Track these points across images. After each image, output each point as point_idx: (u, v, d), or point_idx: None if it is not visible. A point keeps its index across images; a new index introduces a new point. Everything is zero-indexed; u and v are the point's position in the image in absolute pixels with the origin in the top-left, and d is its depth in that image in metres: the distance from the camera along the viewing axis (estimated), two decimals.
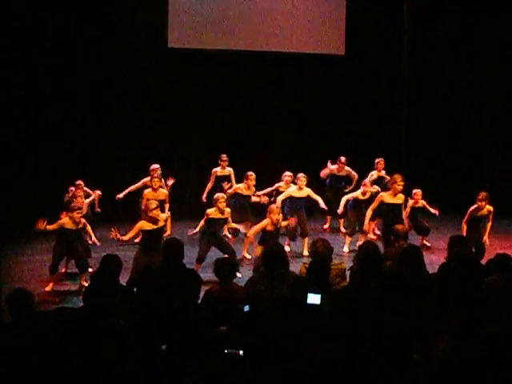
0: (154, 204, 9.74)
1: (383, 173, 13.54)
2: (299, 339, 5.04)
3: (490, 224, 11.07)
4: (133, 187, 12.58)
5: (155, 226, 9.67)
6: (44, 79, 13.98)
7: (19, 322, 5.52)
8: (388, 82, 16.45)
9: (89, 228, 10.61)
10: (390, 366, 4.54)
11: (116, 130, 14.74)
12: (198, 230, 10.77)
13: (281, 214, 10.70)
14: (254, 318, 5.71)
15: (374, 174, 13.44)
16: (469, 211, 10.85)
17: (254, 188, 12.37)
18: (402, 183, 10.99)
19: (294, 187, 12.10)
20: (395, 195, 11.02)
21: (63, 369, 4.74)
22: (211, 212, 10.69)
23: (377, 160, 13.65)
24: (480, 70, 15.87)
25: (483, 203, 10.77)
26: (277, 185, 12.74)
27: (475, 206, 10.80)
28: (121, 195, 12.55)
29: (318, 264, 6.69)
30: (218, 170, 13.35)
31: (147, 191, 11.93)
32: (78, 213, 9.99)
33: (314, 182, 12.94)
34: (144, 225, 9.65)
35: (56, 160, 13.85)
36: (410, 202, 12.23)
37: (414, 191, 12.37)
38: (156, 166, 12.57)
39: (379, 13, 16.04)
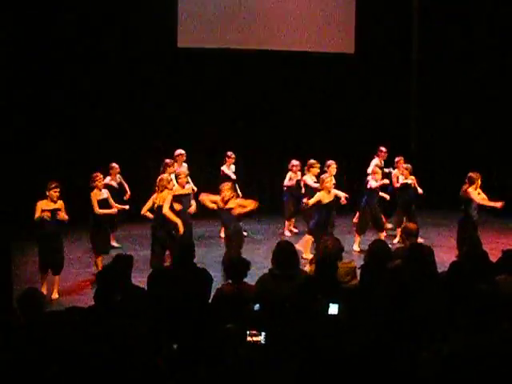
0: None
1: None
2: (309, 337, 5.04)
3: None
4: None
5: (185, 191, 11.12)
6: (55, 79, 14.04)
7: (30, 322, 5.52)
8: (397, 80, 16.42)
9: (62, 211, 9.79)
10: (400, 365, 4.53)
11: (126, 129, 14.75)
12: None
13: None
14: (265, 316, 5.71)
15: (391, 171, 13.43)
16: (473, 196, 10.82)
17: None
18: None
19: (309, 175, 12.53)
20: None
21: (74, 368, 4.75)
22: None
23: (397, 159, 13.30)
24: (494, 71, 15.77)
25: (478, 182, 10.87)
26: (289, 175, 13.16)
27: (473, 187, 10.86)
28: None
29: (325, 262, 6.67)
30: (224, 169, 13.20)
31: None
32: (55, 191, 9.60)
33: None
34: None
35: (66, 160, 13.88)
36: (400, 176, 12.77)
37: (397, 159, 13.00)
38: (181, 151, 12.46)
39: (389, 11, 16.05)
